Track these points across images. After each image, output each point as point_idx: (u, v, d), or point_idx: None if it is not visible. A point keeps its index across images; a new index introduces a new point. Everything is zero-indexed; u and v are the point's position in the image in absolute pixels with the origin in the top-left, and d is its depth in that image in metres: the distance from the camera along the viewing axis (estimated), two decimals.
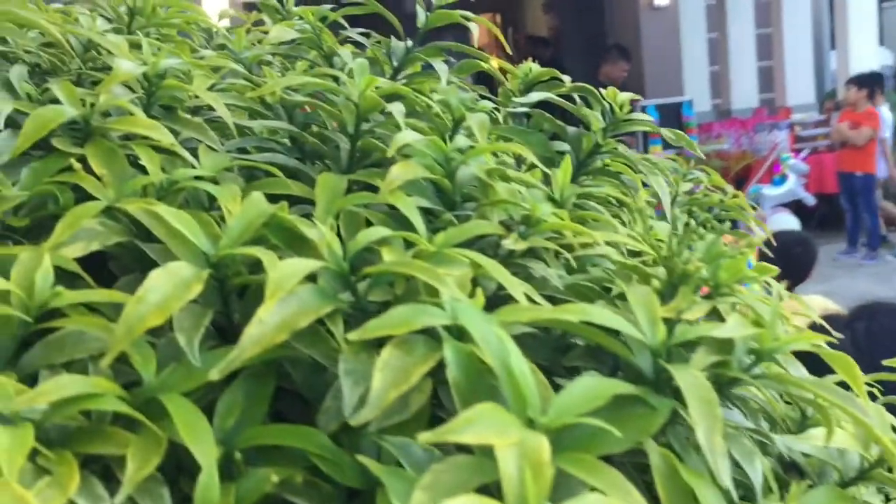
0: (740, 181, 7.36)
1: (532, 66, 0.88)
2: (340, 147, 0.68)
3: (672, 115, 6.95)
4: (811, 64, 8.56)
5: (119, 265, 0.59)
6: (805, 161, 7.00)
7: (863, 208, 6.83)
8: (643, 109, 6.89)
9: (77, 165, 0.57)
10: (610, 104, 0.79)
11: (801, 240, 3.18)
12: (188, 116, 0.68)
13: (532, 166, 0.83)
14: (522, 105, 0.80)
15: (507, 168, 0.79)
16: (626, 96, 0.79)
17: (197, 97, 0.67)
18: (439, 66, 0.79)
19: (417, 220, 0.55)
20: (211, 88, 0.70)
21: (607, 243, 0.60)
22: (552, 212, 0.61)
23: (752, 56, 9.01)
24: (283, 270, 0.45)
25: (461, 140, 0.63)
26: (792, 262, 3.11)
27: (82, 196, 0.57)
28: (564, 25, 10.81)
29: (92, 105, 0.61)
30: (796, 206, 7.09)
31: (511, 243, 0.56)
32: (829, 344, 0.98)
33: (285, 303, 0.45)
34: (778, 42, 8.51)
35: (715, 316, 0.57)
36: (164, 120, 0.67)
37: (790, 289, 3.12)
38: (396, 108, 0.62)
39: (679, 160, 1.08)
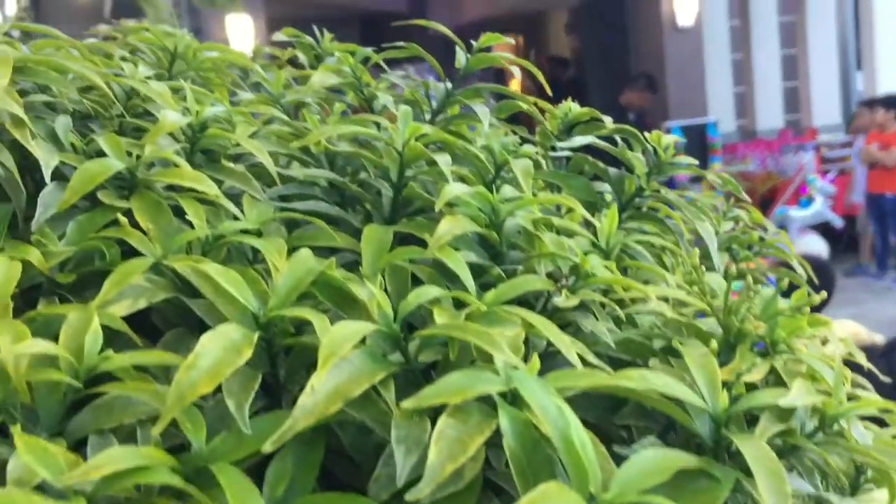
0: (766, 203, 7.29)
1: (571, 106, 0.87)
2: (383, 194, 0.67)
3: (697, 137, 6.91)
4: (837, 84, 8.49)
5: (163, 318, 0.58)
6: (832, 183, 6.93)
7: (892, 230, 6.74)
8: (668, 131, 6.88)
9: (123, 220, 0.56)
10: (654, 147, 0.78)
11: (817, 266, 3.13)
12: (231, 165, 0.67)
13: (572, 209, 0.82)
14: (565, 149, 0.79)
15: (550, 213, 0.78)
16: (670, 139, 0.78)
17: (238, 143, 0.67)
18: (480, 109, 0.78)
19: (467, 277, 0.54)
20: (253, 135, 0.70)
21: (658, 297, 0.59)
22: (601, 264, 0.60)
23: (778, 77, 8.96)
24: (335, 336, 0.44)
25: (508, 190, 0.62)
26: (825, 288, 3.07)
27: (128, 250, 0.56)
28: (587, 46, 10.83)
29: (137, 157, 0.60)
30: (824, 229, 7.01)
31: (563, 301, 0.55)
32: (866, 375, 0.96)
33: (338, 370, 0.44)
34: (803, 63, 8.47)
35: (772, 374, 0.55)
36: (208, 169, 0.66)
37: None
38: (443, 160, 0.61)
39: (719, 197, 1.06)
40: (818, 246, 6.67)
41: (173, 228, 0.57)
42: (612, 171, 0.79)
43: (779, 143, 7.96)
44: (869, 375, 0.94)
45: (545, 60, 12.12)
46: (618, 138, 0.83)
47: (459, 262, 0.54)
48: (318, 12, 11.44)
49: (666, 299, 0.60)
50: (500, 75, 12.22)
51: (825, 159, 7.54)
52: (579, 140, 0.79)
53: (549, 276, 0.61)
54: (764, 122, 8.91)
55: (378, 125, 0.68)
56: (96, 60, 0.75)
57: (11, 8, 7.43)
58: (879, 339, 3.07)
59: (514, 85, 12.98)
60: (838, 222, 6.91)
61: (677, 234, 0.76)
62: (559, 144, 0.80)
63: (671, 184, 6.13)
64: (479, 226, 0.59)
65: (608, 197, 0.77)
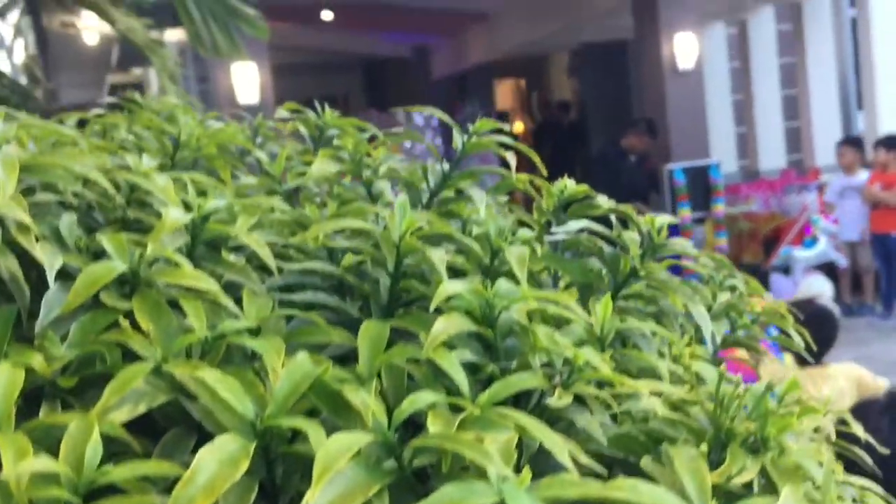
0: (769, 243, 7.30)
1: (567, 184, 0.88)
2: (381, 283, 0.69)
3: (700, 178, 6.94)
4: (839, 124, 8.55)
5: (164, 414, 0.59)
6: (835, 223, 6.93)
7: None
8: (671, 173, 6.91)
9: (124, 323, 0.58)
10: (648, 229, 0.79)
11: (820, 314, 3.12)
12: (232, 258, 0.69)
13: (570, 285, 0.83)
14: (561, 233, 0.80)
15: (545, 288, 0.79)
16: (663, 220, 0.80)
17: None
18: (476, 193, 0.80)
19: (461, 379, 0.55)
20: (254, 226, 0.71)
21: (652, 392, 0.60)
22: (595, 358, 0.61)
23: (779, 117, 9.04)
24: (330, 449, 0.45)
25: (503, 285, 0.63)
26: (829, 333, 3.06)
27: (130, 352, 0.57)
28: (588, 89, 10.95)
29: (140, 255, 0.62)
30: (829, 268, 7.00)
31: (555, 400, 0.56)
32: (870, 431, 0.94)
33: (332, 485, 0.45)
34: (804, 103, 8.54)
35: (763, 473, 0.56)
36: (209, 261, 0.68)
37: (817, 360, 3.02)
38: (438, 256, 0.63)
39: (721, 261, 1.07)
40: (823, 287, 6.66)
41: (174, 329, 0.59)
42: (608, 250, 0.81)
43: (781, 182, 8.00)
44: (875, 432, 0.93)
45: (545, 103, 12.27)
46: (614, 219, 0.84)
47: (453, 365, 0.55)
48: (322, 58, 11.62)
49: (659, 393, 0.61)
50: (504, 118, 12.34)
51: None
52: (574, 225, 0.80)
53: (545, 366, 0.62)
54: (766, 163, 8.97)
55: (377, 215, 0.70)
56: (101, 149, 0.77)
57: (19, 55, 7.55)
58: (884, 382, 3.06)
59: (518, 128, 13.11)
60: (843, 262, 6.91)
61: (671, 316, 0.77)
62: (555, 230, 0.81)
63: (675, 230, 6.14)
64: (475, 322, 0.60)
65: (605, 278, 0.78)
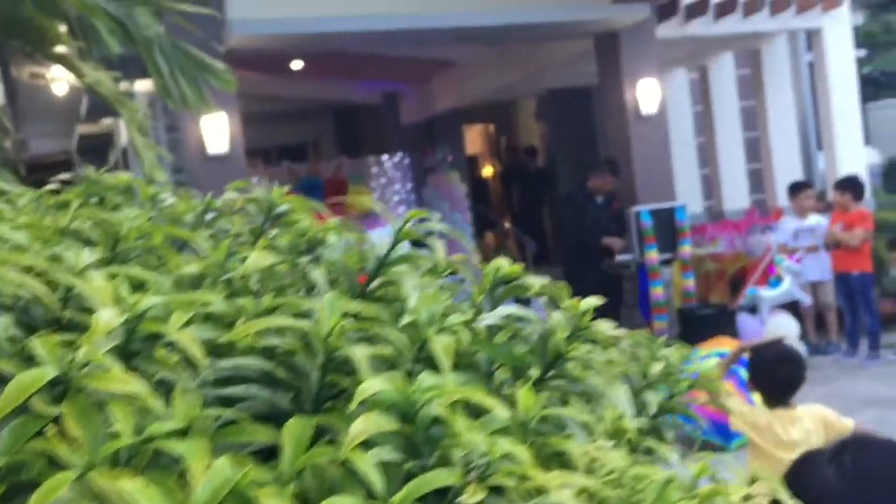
0: (736, 283, 7.42)
1: (501, 264, 0.92)
2: (311, 377, 0.71)
3: (666, 220, 7.06)
4: (800, 165, 8.76)
5: None
6: (798, 262, 7.06)
7: (862, 308, 6.85)
8: (637, 215, 7.02)
9: (52, 431, 0.60)
10: (576, 312, 0.83)
11: (787, 355, 3.17)
12: (165, 354, 0.71)
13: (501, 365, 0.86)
14: (490, 318, 0.83)
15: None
16: (589, 302, 0.83)
17: None
18: (408, 281, 0.83)
19: (376, 480, 0.57)
20: (189, 321, 0.73)
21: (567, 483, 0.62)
22: (513, 448, 0.63)
23: (741, 159, 9.24)
24: None
25: (426, 379, 0.66)
26: (776, 380, 3.10)
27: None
28: (555, 134, 11.14)
29: (71, 360, 0.64)
30: (794, 307, 7.11)
31: (468, 497, 0.59)
32: (817, 480, 0.96)
33: None
34: (765, 145, 8.75)
35: None
36: (143, 359, 0.70)
37: (778, 402, 3.05)
38: (360, 354, 0.66)
39: (649, 340, 1.10)
40: (789, 326, 6.76)
41: (102, 434, 0.60)
42: (537, 332, 0.84)
43: (745, 223, 8.15)
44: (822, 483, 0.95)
45: (513, 148, 12.44)
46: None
47: (370, 466, 0.58)
48: (293, 106, 11.71)
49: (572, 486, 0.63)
50: (473, 162, 12.48)
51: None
52: (501, 311, 0.83)
53: (464, 459, 0.64)
54: (731, 203, 9.14)
55: (310, 310, 0.73)
56: (41, 261, 0.78)
57: None
58: (849, 422, 3.09)
59: (487, 172, 13.25)
60: (807, 300, 7.03)
61: (595, 398, 0.80)
62: (483, 317, 0.84)
63: (643, 272, 6.18)
64: (397, 418, 0.63)
65: (533, 361, 0.81)
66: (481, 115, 12.41)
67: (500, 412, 0.70)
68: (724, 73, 9.14)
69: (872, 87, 16.23)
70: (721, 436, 5.03)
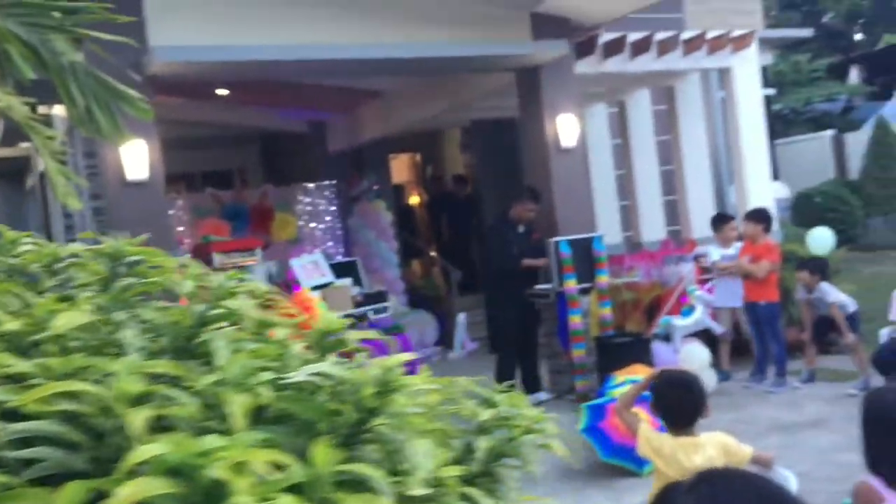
0: (652, 312, 7.61)
1: (331, 321, 0.95)
2: (107, 439, 0.73)
3: (584, 250, 7.21)
4: (711, 198, 9.08)
5: None
6: (710, 292, 7.30)
7: (769, 337, 7.09)
8: (557, 245, 7.16)
9: None
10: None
11: (682, 379, 3.24)
12: None
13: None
14: (300, 375, 0.86)
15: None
16: (397, 359, 0.87)
17: None
18: (218, 344, 0.85)
19: None
20: None
21: None
22: None
23: (658, 191, 9.53)
24: None
25: (211, 441, 0.68)
26: (675, 404, 3.16)
27: None
28: (481, 164, 11.30)
29: None
30: (708, 336, 7.33)
31: None
32: None
33: None
34: (680, 178, 9.05)
35: None
36: None
37: (682, 429, 3.14)
38: (137, 419, 0.68)
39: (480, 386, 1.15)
40: (701, 354, 6.97)
41: None
42: (347, 389, 0.87)
43: (661, 253, 8.39)
44: None
45: (438, 177, 12.57)
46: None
47: None
48: (218, 132, 11.61)
49: None
50: (399, 191, 12.55)
51: (704, 269, 7.95)
52: (309, 368, 0.87)
53: None
54: (648, 234, 9.41)
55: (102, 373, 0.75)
56: None
57: None
58: (748, 449, 3.19)
59: (414, 201, 13.33)
60: (718, 329, 7.25)
61: (403, 451, 0.84)
62: (289, 374, 0.87)
63: (562, 300, 6.33)
64: (175, 482, 0.65)
65: (342, 417, 0.84)
66: (408, 144, 12.51)
67: (295, 470, 0.73)
68: (641, 108, 9.45)
69: (782, 124, 17.01)
70: (634, 462, 5.14)
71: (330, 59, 6.67)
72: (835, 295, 6.85)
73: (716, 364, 7.59)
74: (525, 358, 7.27)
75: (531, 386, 7.22)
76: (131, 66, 6.01)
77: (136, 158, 6.26)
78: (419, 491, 0.79)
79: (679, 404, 3.15)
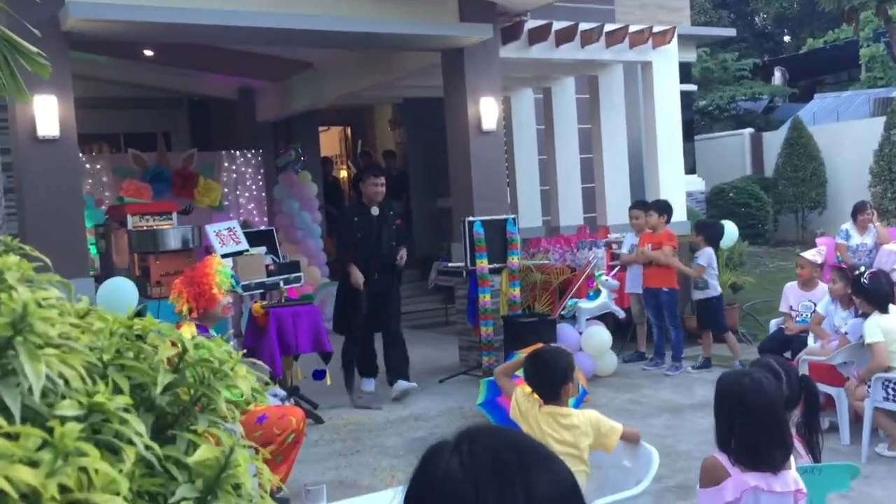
0: (562, 294, 7.88)
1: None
2: None
3: (498, 231, 7.39)
4: (627, 187, 9.38)
5: None
6: (615, 277, 7.59)
7: (668, 322, 7.42)
8: (471, 225, 7.33)
9: None
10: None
11: (545, 352, 3.43)
12: None
13: None
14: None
15: None
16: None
17: None
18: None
19: None
20: None
21: None
22: None
23: (577, 178, 9.79)
24: None
25: None
26: (539, 374, 3.34)
27: None
28: (410, 141, 11.41)
29: None
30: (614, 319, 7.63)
31: None
32: (441, 470, 0.98)
33: None
34: (598, 167, 9.31)
35: None
36: None
37: (551, 398, 3.33)
38: None
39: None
40: (603, 336, 7.27)
41: None
42: None
43: (576, 238, 8.67)
44: (446, 473, 1.04)
45: (366, 152, 12.62)
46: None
47: None
48: (144, 93, 11.40)
49: None
50: (327, 163, 12.56)
51: (615, 255, 8.26)
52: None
53: None
54: (566, 219, 9.67)
55: None
56: None
57: None
58: (618, 426, 3.40)
59: (343, 173, 13.35)
60: (621, 314, 7.55)
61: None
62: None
63: (474, 278, 6.48)
64: None
65: None
66: (339, 117, 12.52)
67: None
68: (566, 96, 9.67)
69: (707, 120, 17.55)
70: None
71: (253, 26, 6.66)
72: (708, 263, 7.25)
73: (632, 346, 7.95)
74: (366, 342, 6.83)
75: (364, 370, 6.88)
76: (47, 21, 5.92)
77: (47, 115, 6.17)
78: (68, 412, 0.77)
79: (546, 376, 3.33)
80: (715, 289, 7.32)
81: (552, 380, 3.30)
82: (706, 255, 7.31)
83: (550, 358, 3.33)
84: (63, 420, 0.71)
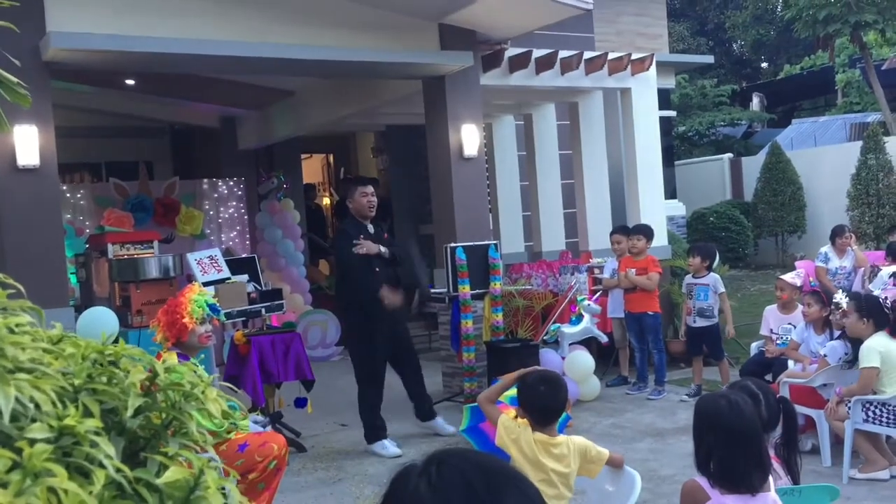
0: (545, 319, 7.90)
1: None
2: None
3: (479, 257, 7.41)
4: (609, 212, 9.44)
5: None
6: (597, 302, 7.62)
7: (652, 346, 7.45)
8: (453, 251, 7.35)
9: None
10: None
11: (548, 378, 3.41)
12: None
13: None
14: None
15: None
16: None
17: None
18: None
19: None
20: None
21: None
22: None
23: (559, 204, 9.87)
24: None
25: None
26: (538, 400, 3.32)
27: None
28: (392, 168, 11.46)
29: None
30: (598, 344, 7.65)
31: None
32: (409, 493, 1.00)
33: None
34: (580, 192, 9.38)
35: None
36: None
37: (543, 427, 3.31)
38: None
39: None
40: (585, 361, 7.28)
41: None
42: None
43: (559, 263, 8.71)
44: (412, 494, 1.05)
45: (347, 179, 12.65)
46: None
47: None
48: (126, 122, 11.41)
49: None
50: (310, 190, 12.58)
51: (597, 280, 8.30)
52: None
53: None
54: (548, 245, 9.72)
55: None
56: None
57: None
58: (604, 451, 3.40)
59: (326, 200, 13.39)
60: (603, 338, 7.57)
61: None
62: None
63: (456, 304, 6.45)
64: None
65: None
66: (321, 145, 12.56)
67: None
68: (547, 122, 9.77)
69: (686, 145, 17.77)
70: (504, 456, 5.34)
71: (235, 56, 6.69)
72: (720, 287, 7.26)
73: (615, 370, 7.97)
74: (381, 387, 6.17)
75: (381, 429, 6.12)
76: (27, 51, 5.94)
77: (27, 144, 6.16)
78: (38, 434, 0.77)
79: (543, 401, 3.30)
80: (716, 316, 7.23)
81: (552, 408, 3.28)
82: (716, 280, 7.25)
83: (555, 385, 3.30)
84: (32, 442, 0.72)
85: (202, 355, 3.68)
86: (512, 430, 3.32)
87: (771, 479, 2.62)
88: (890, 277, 6.64)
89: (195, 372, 0.97)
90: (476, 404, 5.68)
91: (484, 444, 5.58)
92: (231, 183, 10.72)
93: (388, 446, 6.00)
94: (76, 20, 6.18)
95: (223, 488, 0.92)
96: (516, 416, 3.47)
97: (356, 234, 5.98)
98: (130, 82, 9.30)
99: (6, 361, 0.75)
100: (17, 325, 0.90)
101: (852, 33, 15.01)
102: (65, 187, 9.65)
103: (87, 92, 9.70)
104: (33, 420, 0.75)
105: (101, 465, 0.76)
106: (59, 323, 1.06)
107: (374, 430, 6.07)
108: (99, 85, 9.43)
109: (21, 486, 0.67)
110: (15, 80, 4.10)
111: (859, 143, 13.41)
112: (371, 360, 6.04)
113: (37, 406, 0.76)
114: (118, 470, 0.78)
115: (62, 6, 6.15)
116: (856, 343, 5.04)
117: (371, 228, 6.15)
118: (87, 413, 0.82)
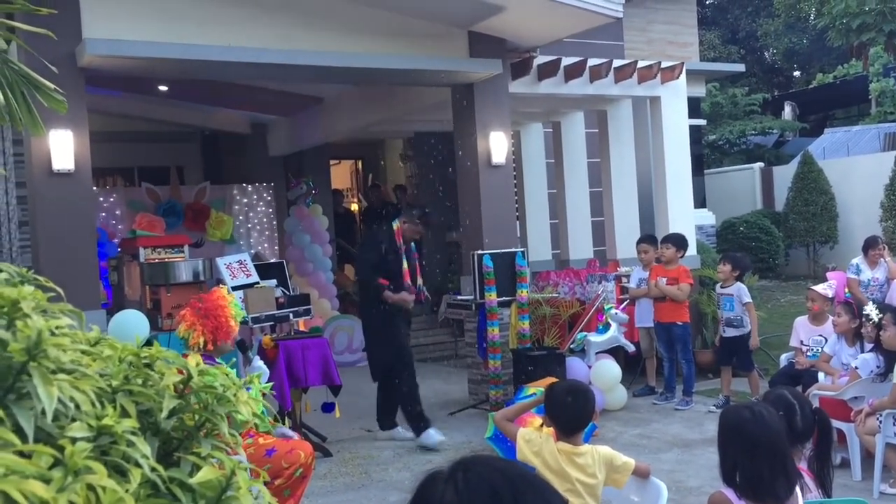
0: (572, 327, 7.87)
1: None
2: None
3: (507, 264, 7.41)
4: (637, 221, 9.39)
5: None
6: (624, 311, 7.57)
7: (681, 356, 7.39)
8: (480, 258, 7.36)
9: None
10: None
11: (575, 389, 3.39)
12: None
13: None
14: None
15: None
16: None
17: None
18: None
19: None
20: None
21: None
22: None
23: (587, 212, 9.83)
24: None
25: None
26: (565, 410, 3.31)
27: None
28: (421, 175, 11.51)
29: None
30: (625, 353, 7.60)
31: None
32: (435, 499, 1.02)
33: None
34: (608, 200, 9.34)
35: None
36: None
37: (568, 436, 3.30)
38: None
39: None
40: (612, 369, 7.25)
41: None
42: None
43: (586, 272, 8.67)
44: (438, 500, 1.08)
45: (375, 185, 12.72)
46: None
47: None
48: (157, 127, 11.58)
49: None
50: (338, 195, 12.66)
51: (625, 289, 8.25)
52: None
53: None
54: (575, 253, 9.68)
55: None
56: None
57: None
58: (630, 461, 3.38)
59: (353, 207, 13.45)
60: (630, 347, 7.52)
61: None
62: None
63: (483, 311, 6.48)
64: None
65: None
66: (350, 151, 12.65)
67: None
68: (575, 130, 9.74)
69: (717, 154, 17.62)
70: (532, 470, 5.33)
71: (269, 63, 6.76)
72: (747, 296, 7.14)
73: (642, 380, 7.92)
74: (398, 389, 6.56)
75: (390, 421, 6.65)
76: (64, 58, 6.05)
77: (62, 149, 6.27)
78: (78, 433, 0.79)
79: (567, 413, 3.29)
80: (747, 326, 7.11)
81: (579, 418, 3.27)
82: (742, 289, 7.13)
83: (583, 396, 3.29)
84: (73, 440, 0.75)
85: (234, 359, 3.70)
86: (534, 443, 3.30)
87: (799, 491, 2.59)
88: None
89: (227, 374, 0.99)
90: None
91: (509, 452, 5.58)
92: (260, 188, 10.83)
93: (433, 435, 6.35)
94: (111, 27, 6.29)
95: (252, 489, 0.94)
96: (542, 425, 3.44)
97: (388, 250, 6.54)
98: (163, 88, 9.44)
99: (49, 362, 0.78)
100: (57, 328, 0.92)
101: (887, 42, 14.79)
102: (97, 191, 9.80)
103: (118, 99, 9.86)
104: (73, 419, 0.78)
105: (138, 465, 0.78)
106: (97, 326, 1.08)
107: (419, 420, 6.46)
108: (131, 91, 9.59)
109: (63, 482, 0.69)
110: (52, 85, 4.19)
111: (893, 153, 13.20)
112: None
113: (77, 406, 0.79)
114: (153, 469, 0.80)
115: (98, 14, 6.26)
116: (889, 356, 4.97)
117: (403, 246, 6.64)
118: (124, 414, 0.84)
